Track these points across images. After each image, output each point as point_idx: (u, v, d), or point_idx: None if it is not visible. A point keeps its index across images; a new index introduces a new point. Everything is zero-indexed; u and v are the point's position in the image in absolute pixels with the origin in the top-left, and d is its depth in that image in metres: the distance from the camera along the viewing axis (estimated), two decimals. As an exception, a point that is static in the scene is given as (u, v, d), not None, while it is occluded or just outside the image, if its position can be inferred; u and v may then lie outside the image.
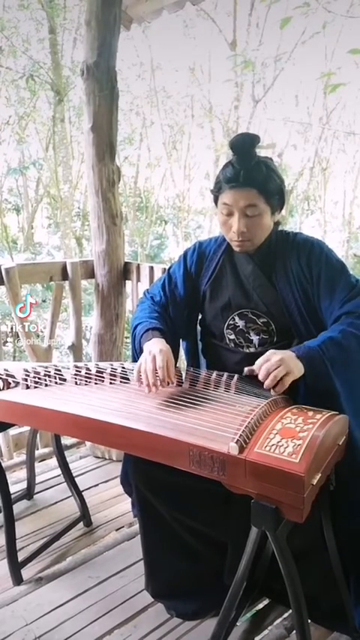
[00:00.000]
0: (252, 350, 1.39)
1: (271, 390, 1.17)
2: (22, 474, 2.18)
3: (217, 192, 1.32)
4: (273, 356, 1.16)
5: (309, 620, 1.21)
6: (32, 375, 1.40)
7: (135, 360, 1.47)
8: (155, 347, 1.27)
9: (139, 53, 7.33)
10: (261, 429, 1.04)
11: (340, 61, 6.70)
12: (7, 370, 1.44)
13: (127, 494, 1.74)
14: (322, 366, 1.19)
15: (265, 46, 6.74)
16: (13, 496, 1.80)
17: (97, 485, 2.17)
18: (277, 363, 1.15)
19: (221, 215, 1.32)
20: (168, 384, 1.25)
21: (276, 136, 7.57)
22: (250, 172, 1.24)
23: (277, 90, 7.22)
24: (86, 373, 1.39)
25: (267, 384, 1.15)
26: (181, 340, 1.58)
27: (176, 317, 1.48)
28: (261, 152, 1.29)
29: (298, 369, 1.16)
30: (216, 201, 1.34)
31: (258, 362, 1.18)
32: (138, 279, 2.47)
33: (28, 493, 2.05)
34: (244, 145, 1.25)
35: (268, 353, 1.18)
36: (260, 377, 1.17)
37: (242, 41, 7.01)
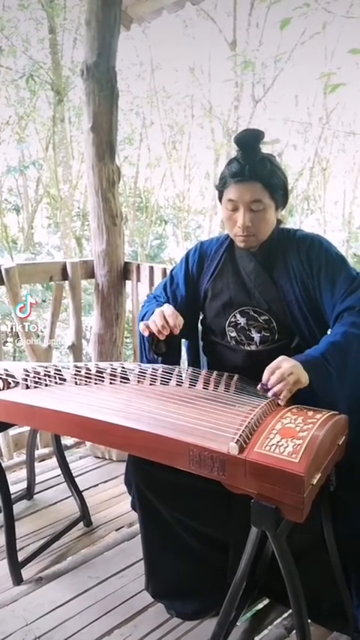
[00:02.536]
0: (253, 348, 1.39)
1: (275, 397, 1.14)
2: (22, 473, 2.18)
3: (222, 187, 1.33)
4: (285, 362, 1.14)
5: (309, 620, 1.21)
6: (32, 375, 1.40)
7: (141, 356, 1.51)
8: (163, 306, 1.33)
9: (139, 53, 7.35)
10: (261, 429, 1.04)
11: (340, 61, 6.72)
12: (7, 370, 1.44)
13: (130, 495, 1.74)
14: (327, 375, 1.17)
15: (265, 46, 6.76)
16: (13, 496, 1.80)
17: (97, 485, 2.18)
18: (290, 370, 1.12)
19: (226, 210, 1.33)
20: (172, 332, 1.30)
21: (276, 136, 7.56)
22: (255, 167, 1.25)
23: (277, 90, 7.23)
24: (86, 373, 1.39)
25: (276, 390, 1.12)
26: (182, 340, 1.59)
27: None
28: (264, 148, 1.30)
29: (305, 379, 1.14)
30: (220, 197, 1.35)
31: (270, 367, 1.15)
32: (138, 279, 2.47)
33: (28, 493, 2.05)
34: (249, 141, 1.26)
35: (279, 359, 1.15)
36: (271, 382, 1.13)
37: (242, 41, 7.02)
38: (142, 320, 1.46)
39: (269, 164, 1.27)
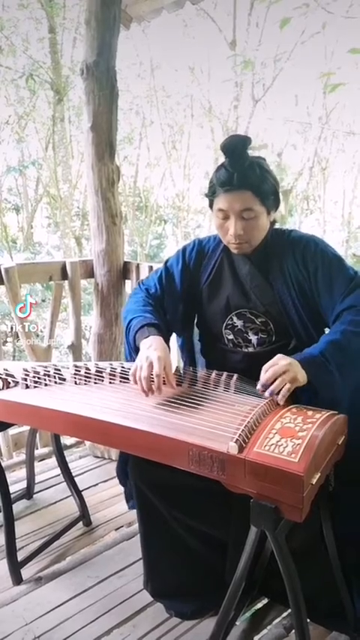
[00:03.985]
0: (251, 350, 1.39)
1: (273, 396, 1.14)
2: (22, 473, 2.18)
3: (211, 196, 1.31)
4: (281, 360, 1.14)
5: (308, 620, 1.21)
6: (32, 374, 1.40)
7: (129, 355, 1.47)
8: (153, 352, 1.23)
9: (138, 52, 7.33)
10: (260, 429, 1.04)
11: (340, 61, 6.71)
12: (6, 370, 1.44)
13: (121, 484, 1.73)
14: (326, 373, 1.17)
15: (265, 46, 6.74)
16: (12, 496, 1.80)
17: (96, 484, 2.18)
18: (284, 367, 1.12)
19: (217, 219, 1.31)
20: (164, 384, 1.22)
21: (275, 136, 7.57)
22: (243, 174, 1.23)
23: (277, 90, 7.22)
24: (86, 373, 1.39)
25: (272, 388, 1.12)
26: (176, 337, 1.58)
27: (171, 311, 1.47)
28: (254, 152, 1.28)
29: (302, 377, 1.14)
30: (211, 205, 1.33)
31: (265, 366, 1.16)
32: (137, 279, 2.47)
33: (28, 493, 2.05)
34: (235, 147, 1.23)
35: (275, 358, 1.16)
36: (264, 379, 1.13)
37: (242, 41, 7.01)
38: (128, 323, 1.40)
39: (258, 169, 1.25)
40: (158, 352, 1.23)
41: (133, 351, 1.39)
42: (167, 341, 1.43)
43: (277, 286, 1.34)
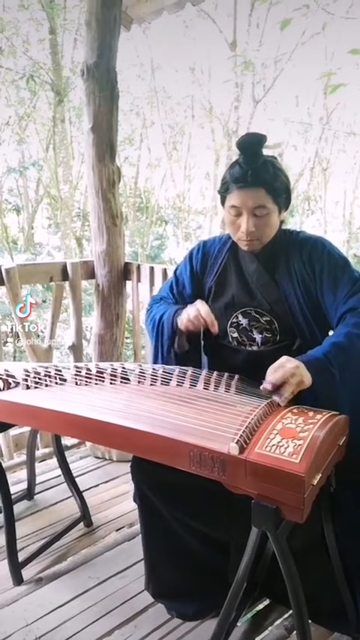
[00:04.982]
0: (255, 348, 1.39)
1: (277, 397, 1.13)
2: (23, 474, 2.18)
3: (224, 192, 1.32)
4: (288, 363, 1.14)
5: (309, 621, 1.21)
6: (32, 375, 1.40)
7: (156, 358, 1.49)
8: (199, 303, 1.34)
9: (139, 53, 7.35)
10: (261, 429, 1.04)
11: (340, 62, 6.72)
12: (7, 370, 1.44)
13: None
14: (329, 376, 1.17)
15: (265, 47, 6.76)
16: (13, 496, 1.80)
17: (97, 485, 2.17)
18: (292, 370, 1.12)
19: (229, 215, 1.32)
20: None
21: (276, 137, 7.57)
22: (257, 172, 1.24)
23: (278, 90, 7.23)
24: (86, 373, 1.39)
25: (284, 395, 1.12)
26: None
27: None
28: (267, 152, 1.29)
29: (307, 380, 1.14)
30: (223, 201, 1.34)
31: (272, 367, 1.15)
32: (138, 280, 2.47)
33: (29, 493, 2.05)
34: (251, 145, 1.25)
35: (282, 360, 1.15)
36: (271, 380, 1.13)
37: (242, 42, 7.03)
38: (157, 323, 1.45)
39: (272, 168, 1.26)
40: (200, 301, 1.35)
41: (164, 349, 1.46)
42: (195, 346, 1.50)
43: (283, 285, 1.34)
